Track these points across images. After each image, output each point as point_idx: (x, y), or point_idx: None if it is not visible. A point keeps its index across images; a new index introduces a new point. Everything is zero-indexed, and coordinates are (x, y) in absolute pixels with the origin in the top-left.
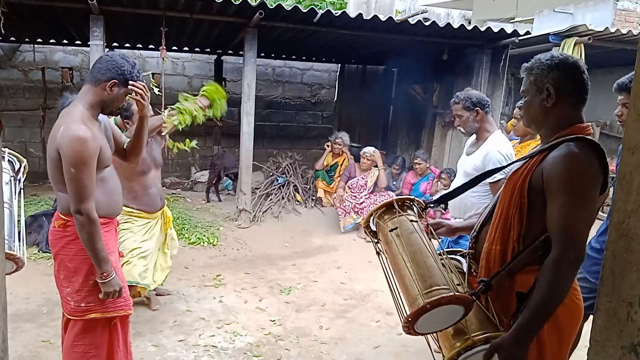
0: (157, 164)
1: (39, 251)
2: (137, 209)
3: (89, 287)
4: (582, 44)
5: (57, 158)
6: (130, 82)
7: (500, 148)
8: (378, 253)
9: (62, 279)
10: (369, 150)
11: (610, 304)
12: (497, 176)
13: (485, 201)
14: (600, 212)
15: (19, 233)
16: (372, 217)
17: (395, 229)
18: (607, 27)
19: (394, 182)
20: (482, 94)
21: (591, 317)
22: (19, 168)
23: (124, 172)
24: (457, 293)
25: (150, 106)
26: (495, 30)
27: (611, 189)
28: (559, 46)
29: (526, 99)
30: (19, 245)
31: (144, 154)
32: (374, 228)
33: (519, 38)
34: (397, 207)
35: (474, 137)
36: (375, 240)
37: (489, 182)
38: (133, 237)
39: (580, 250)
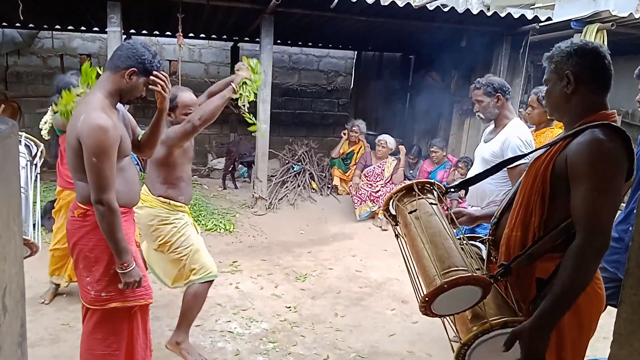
0: None
1: None
2: (183, 203)
3: (109, 277)
4: (605, 31)
5: (77, 147)
6: (154, 72)
7: (519, 134)
8: (397, 236)
9: (81, 269)
10: (384, 137)
11: (635, 297)
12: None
13: (502, 188)
14: None
15: (35, 219)
16: (391, 200)
17: (415, 211)
18: (631, 13)
19: (411, 171)
20: (503, 80)
21: (609, 307)
22: (36, 152)
23: (179, 159)
24: (474, 274)
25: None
26: (516, 16)
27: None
28: (581, 32)
29: (548, 87)
30: (33, 231)
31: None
32: (393, 212)
33: (540, 24)
34: (417, 190)
35: (492, 125)
36: (394, 223)
37: (507, 168)
38: (193, 230)
39: (605, 237)
